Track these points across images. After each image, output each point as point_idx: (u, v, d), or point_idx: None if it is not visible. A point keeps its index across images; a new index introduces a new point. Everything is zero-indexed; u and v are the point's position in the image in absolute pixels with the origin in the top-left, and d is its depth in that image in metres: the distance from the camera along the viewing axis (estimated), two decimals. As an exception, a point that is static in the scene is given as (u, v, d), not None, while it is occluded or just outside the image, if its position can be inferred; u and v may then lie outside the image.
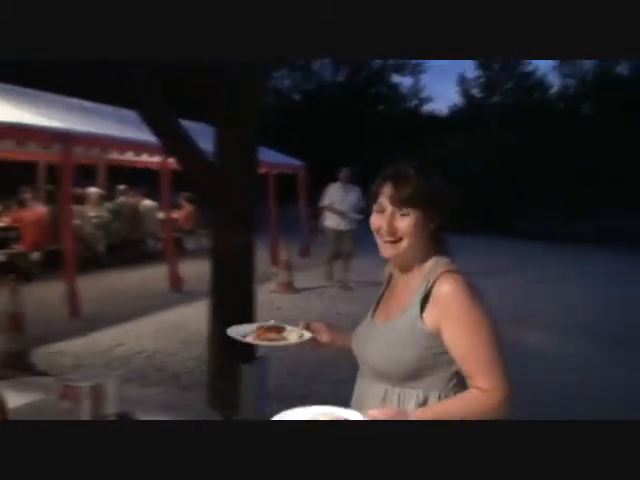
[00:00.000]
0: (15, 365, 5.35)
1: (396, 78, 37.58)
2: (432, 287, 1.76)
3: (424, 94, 37.84)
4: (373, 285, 8.72)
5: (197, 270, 9.64)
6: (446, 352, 1.76)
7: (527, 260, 14.38)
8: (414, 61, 34.99)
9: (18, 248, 9.72)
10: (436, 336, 1.75)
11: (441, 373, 1.79)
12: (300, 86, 36.97)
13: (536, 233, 19.17)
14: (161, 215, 11.73)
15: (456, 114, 36.13)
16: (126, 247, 11.86)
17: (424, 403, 1.79)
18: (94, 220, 11.19)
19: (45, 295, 8.25)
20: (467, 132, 24.38)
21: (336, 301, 8.89)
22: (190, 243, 13.30)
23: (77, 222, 9.88)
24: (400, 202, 1.79)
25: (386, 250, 1.84)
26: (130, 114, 11.55)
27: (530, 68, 35.38)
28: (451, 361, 1.76)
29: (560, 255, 15.59)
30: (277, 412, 1.72)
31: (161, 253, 12.05)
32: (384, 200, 1.82)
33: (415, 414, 1.72)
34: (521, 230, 19.43)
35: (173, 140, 5.22)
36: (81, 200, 10.96)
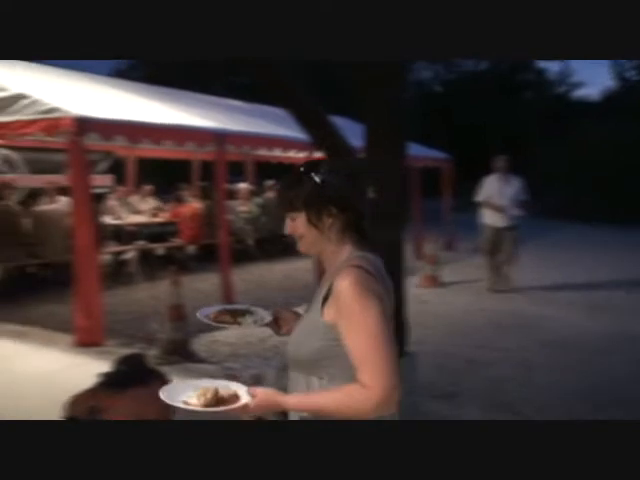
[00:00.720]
0: (179, 352, 5.70)
1: (543, 64, 35.96)
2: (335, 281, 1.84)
3: (574, 79, 35.91)
4: (534, 289, 8.26)
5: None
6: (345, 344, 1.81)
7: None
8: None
9: (176, 242, 10.34)
10: (334, 328, 1.80)
11: (342, 364, 1.80)
12: (441, 77, 36.36)
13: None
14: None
15: (609, 98, 33.99)
16: (274, 240, 12.26)
17: None
18: (244, 215, 11.65)
19: (201, 287, 8.72)
20: (621, 116, 22.83)
21: (481, 297, 8.69)
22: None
23: (229, 217, 10.33)
24: (282, 208, 1.93)
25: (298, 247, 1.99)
26: (277, 111, 11.90)
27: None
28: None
29: None
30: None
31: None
32: None
33: (291, 402, 1.82)
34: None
35: (323, 135, 5.34)
36: (232, 196, 11.44)
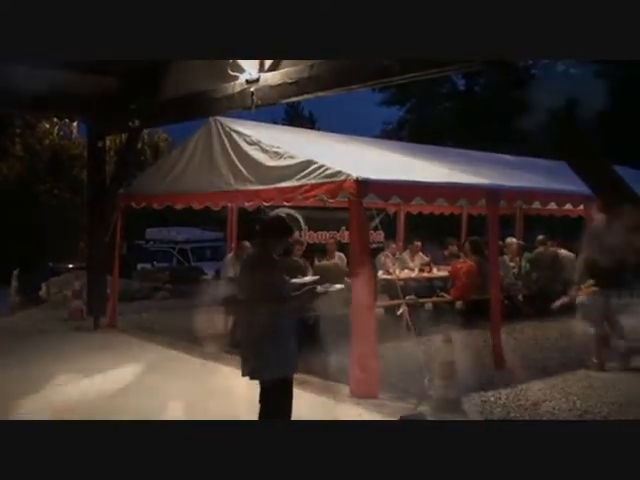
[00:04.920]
0: (450, 411, 5.65)
1: None
2: None
3: None
4: None
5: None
6: None
7: None
8: None
9: (445, 297, 10.36)
10: None
11: None
12: None
13: None
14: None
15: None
16: (546, 298, 11.68)
17: None
18: (514, 270, 11.32)
19: (469, 343, 8.59)
20: None
21: None
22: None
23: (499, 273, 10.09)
24: None
25: None
26: (545, 163, 11.46)
27: None
28: None
29: None
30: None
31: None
32: None
33: None
34: None
35: (607, 186, 5.04)
36: (501, 251, 11.19)
